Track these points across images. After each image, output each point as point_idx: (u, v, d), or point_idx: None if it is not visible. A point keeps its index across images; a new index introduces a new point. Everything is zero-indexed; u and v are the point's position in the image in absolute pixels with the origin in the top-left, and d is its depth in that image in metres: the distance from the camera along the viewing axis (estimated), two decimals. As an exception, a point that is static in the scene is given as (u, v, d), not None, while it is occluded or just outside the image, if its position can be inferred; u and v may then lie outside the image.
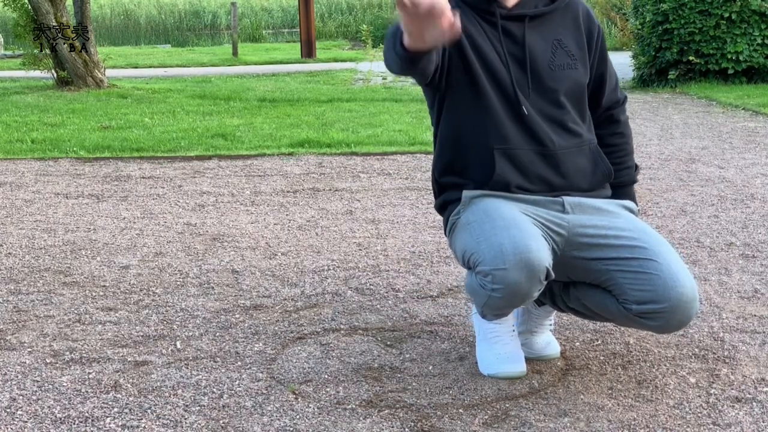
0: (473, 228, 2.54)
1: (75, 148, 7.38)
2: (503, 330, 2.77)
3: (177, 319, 3.34)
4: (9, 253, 4.28)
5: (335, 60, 18.29)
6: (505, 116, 2.62)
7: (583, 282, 2.65)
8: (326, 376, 2.79)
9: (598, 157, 2.73)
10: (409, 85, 12.05)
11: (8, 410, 2.59)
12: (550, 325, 2.93)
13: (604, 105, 2.81)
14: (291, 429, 2.45)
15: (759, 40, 11.13)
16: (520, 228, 2.46)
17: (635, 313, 2.50)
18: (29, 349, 3.05)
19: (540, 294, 2.77)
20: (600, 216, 2.63)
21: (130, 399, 2.65)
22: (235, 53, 19.50)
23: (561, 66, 2.68)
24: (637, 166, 2.91)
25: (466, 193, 2.65)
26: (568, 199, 2.63)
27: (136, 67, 17.05)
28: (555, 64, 2.67)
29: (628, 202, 2.76)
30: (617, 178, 2.82)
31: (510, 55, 2.64)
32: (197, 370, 2.85)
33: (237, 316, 3.37)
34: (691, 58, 11.25)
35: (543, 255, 2.44)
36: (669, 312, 2.47)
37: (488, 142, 2.61)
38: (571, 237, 2.58)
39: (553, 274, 2.49)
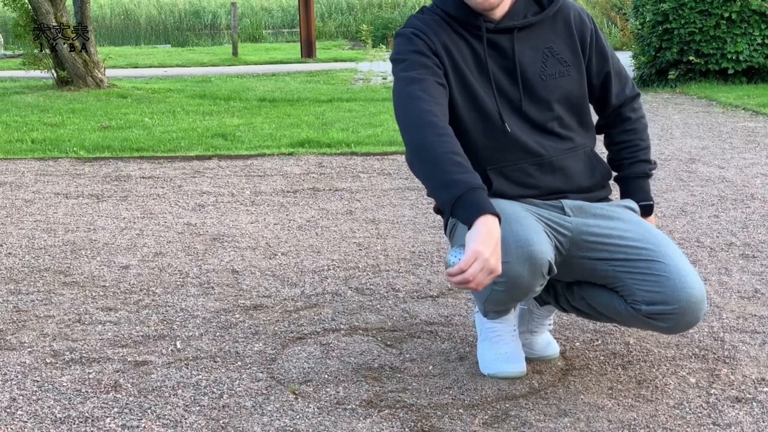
0: None
1: (75, 148, 7.38)
2: (505, 329, 2.77)
3: (177, 319, 3.34)
4: (9, 253, 4.28)
5: (335, 60, 18.28)
6: (490, 138, 2.62)
7: (588, 282, 2.65)
8: (326, 376, 2.79)
9: (594, 160, 2.73)
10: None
11: (8, 410, 2.59)
12: (549, 325, 2.93)
13: (614, 103, 2.79)
14: (291, 429, 2.45)
15: (759, 40, 11.12)
16: (521, 223, 2.46)
17: (644, 314, 2.50)
18: (29, 349, 3.05)
19: (544, 293, 2.78)
20: (602, 218, 2.62)
21: (130, 399, 2.65)
22: (235, 53, 19.49)
23: (552, 75, 2.67)
24: (653, 162, 2.85)
25: None
26: (567, 203, 2.63)
27: (136, 67, 17.05)
28: (546, 73, 2.66)
29: (630, 202, 2.76)
30: (628, 170, 2.80)
31: (499, 68, 2.64)
32: (197, 370, 2.85)
33: (237, 316, 3.37)
34: (691, 58, 11.25)
35: (545, 248, 2.44)
36: (679, 313, 2.47)
37: (481, 163, 2.62)
38: (575, 237, 2.57)
39: (555, 269, 2.50)
